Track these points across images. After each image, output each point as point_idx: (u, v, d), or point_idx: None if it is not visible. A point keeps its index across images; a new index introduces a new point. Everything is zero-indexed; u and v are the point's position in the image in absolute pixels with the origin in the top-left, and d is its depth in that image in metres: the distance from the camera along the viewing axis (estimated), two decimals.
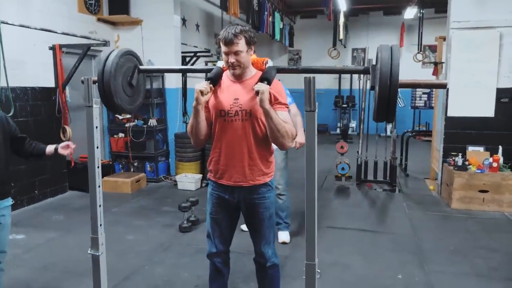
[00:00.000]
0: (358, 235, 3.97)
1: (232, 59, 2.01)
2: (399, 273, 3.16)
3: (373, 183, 5.89)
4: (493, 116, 5.03)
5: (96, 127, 1.81)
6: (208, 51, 7.66)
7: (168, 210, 4.76)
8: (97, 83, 1.97)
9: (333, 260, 3.37)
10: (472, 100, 5.06)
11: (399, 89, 1.69)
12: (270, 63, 2.16)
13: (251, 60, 2.18)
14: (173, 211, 4.63)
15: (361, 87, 6.03)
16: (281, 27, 9.96)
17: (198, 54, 7.31)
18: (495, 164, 4.68)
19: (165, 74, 6.16)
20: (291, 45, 11.72)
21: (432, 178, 6.20)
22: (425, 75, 11.01)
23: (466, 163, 4.86)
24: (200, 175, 5.78)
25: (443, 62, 5.89)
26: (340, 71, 2.42)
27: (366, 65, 6.22)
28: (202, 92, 2.00)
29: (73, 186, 5.47)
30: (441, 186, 5.32)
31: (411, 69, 10.58)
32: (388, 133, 7.36)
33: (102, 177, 5.43)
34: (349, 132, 10.93)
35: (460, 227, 4.19)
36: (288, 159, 3.83)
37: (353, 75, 11.55)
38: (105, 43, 4.97)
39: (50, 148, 2.47)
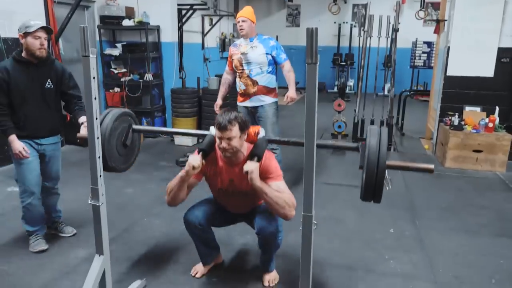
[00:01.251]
0: (352, 191, 4.05)
1: (224, 144, 2.07)
2: (391, 227, 3.26)
3: None
4: (492, 76, 5.00)
5: (94, 78, 1.78)
6: (205, 3, 7.43)
7: (165, 165, 4.80)
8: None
9: (327, 215, 3.46)
10: (473, 59, 5.01)
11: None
12: (261, 134, 2.19)
13: (247, 132, 2.20)
14: (170, 166, 4.68)
15: (361, 45, 5.92)
16: None
17: (194, 7, 7.09)
18: (490, 125, 4.70)
19: (160, 27, 5.99)
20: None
21: (427, 137, 6.25)
22: (426, 33, 10.77)
23: (462, 123, 4.88)
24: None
25: (446, 20, 5.76)
26: (332, 147, 2.50)
27: (366, 21, 6.08)
28: (194, 167, 2.05)
29: (69, 140, 5.45)
30: (436, 146, 5.38)
31: (412, 26, 10.38)
32: (386, 93, 7.33)
33: None
34: (347, 90, 10.86)
35: (453, 186, 4.28)
36: (279, 112, 3.87)
37: (353, 32, 11.33)
38: None
39: (81, 119, 2.72)
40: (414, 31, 10.46)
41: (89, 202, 1.95)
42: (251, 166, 2.00)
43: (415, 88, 11.09)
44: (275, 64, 3.82)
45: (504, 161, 4.69)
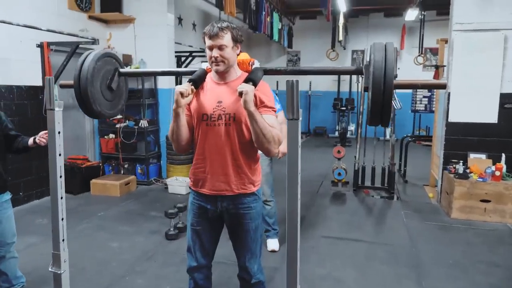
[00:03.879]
0: (353, 246, 3.79)
1: (215, 53, 1.86)
2: None
3: (371, 190, 5.70)
4: (496, 122, 4.84)
5: (59, 133, 1.63)
6: (203, 50, 7.47)
7: (156, 215, 4.57)
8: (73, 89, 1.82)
9: (325, 274, 3.19)
10: (474, 105, 4.88)
11: (398, 91, 1.56)
12: (257, 64, 2.03)
13: (237, 61, 2.02)
14: (161, 217, 4.44)
15: (359, 90, 5.85)
16: (280, 27, 9.78)
17: (193, 54, 7.15)
18: (497, 173, 4.49)
19: None
20: (290, 46, 11.55)
21: (431, 185, 6.01)
22: (426, 77, 10.81)
23: (467, 171, 4.68)
24: None
25: (445, 66, 5.71)
26: (331, 72, 2.27)
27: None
28: (182, 94, 1.83)
29: (26, 151, 5.28)
30: (440, 194, 5.14)
31: (411, 72, 10.41)
32: (387, 137, 7.19)
33: (91, 179, 5.32)
34: (348, 135, 10.75)
35: (460, 239, 4.01)
36: (273, 163, 3.66)
37: (352, 77, 11.39)
38: (94, 41, 4.80)
39: (30, 141, 2.51)
40: (413, 76, 10.46)
41: (50, 269, 1.74)
42: (246, 87, 1.76)
43: (418, 132, 10.97)
44: None
45: None
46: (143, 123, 5.70)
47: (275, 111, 1.98)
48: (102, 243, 3.76)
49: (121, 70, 2.06)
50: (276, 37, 9.31)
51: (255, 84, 1.83)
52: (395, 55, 1.55)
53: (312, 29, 11.99)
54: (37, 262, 3.24)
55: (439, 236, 4.09)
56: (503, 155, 4.67)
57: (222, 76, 1.96)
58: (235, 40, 1.90)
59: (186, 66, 7.14)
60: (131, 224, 4.27)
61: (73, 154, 5.57)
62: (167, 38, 5.93)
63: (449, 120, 4.99)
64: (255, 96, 1.84)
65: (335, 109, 11.50)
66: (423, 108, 11.39)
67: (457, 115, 4.95)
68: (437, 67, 5.93)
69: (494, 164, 4.63)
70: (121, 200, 5.14)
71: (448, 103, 4.96)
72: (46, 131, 2.31)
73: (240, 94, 1.76)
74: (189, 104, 1.97)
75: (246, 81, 1.83)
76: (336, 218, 4.61)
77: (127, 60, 5.78)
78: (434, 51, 10.90)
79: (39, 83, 4.95)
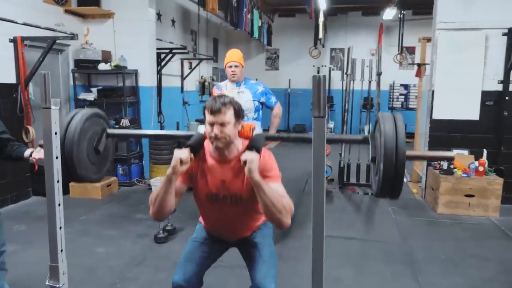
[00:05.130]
0: (346, 244, 3.77)
1: (216, 130, 1.76)
2: (394, 287, 2.96)
3: (356, 187, 5.73)
4: (477, 119, 4.95)
5: (56, 133, 1.50)
6: (185, 47, 7.32)
7: (142, 217, 4.41)
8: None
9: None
10: (457, 102, 4.96)
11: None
12: (258, 130, 1.95)
13: None
14: (148, 219, 4.28)
15: (344, 88, 5.86)
16: (260, 25, 9.71)
17: (173, 50, 6.97)
18: (481, 168, 4.58)
19: (138, 71, 5.79)
20: (269, 43, 11.49)
21: (414, 181, 6.09)
22: (403, 75, 11.03)
23: (451, 166, 4.75)
24: None
25: (426, 64, 5.79)
26: (337, 141, 2.29)
27: (346, 67, 6.05)
28: (181, 161, 1.72)
29: (37, 191, 5.04)
30: (425, 190, 5.21)
31: (389, 70, 10.55)
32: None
33: (70, 181, 5.09)
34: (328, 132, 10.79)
35: (448, 234, 4.06)
36: None
37: (332, 75, 11.46)
38: (73, 36, 4.57)
39: (27, 153, 2.23)
40: (390, 74, 10.62)
41: (47, 283, 1.60)
42: (250, 155, 1.68)
43: None
44: (261, 110, 3.62)
45: (497, 206, 4.53)
46: (124, 122, 5.50)
47: (280, 179, 1.91)
48: (87, 249, 3.58)
49: (109, 131, 1.94)
50: (256, 34, 9.23)
51: (258, 151, 1.76)
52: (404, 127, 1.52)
53: (291, 27, 11.97)
54: (19, 272, 3.04)
55: (428, 231, 4.14)
56: (485, 151, 4.77)
57: (222, 152, 1.88)
58: (238, 116, 1.82)
59: (166, 64, 6.96)
60: (116, 228, 4.10)
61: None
62: (149, 34, 5.75)
63: (433, 117, 5.06)
64: (259, 165, 1.75)
65: None
66: (400, 106, 11.62)
67: (441, 112, 5.03)
68: (419, 65, 6.00)
69: (476, 159, 4.73)
70: (103, 202, 4.94)
71: (432, 100, 5.02)
72: (41, 152, 2.11)
73: (245, 163, 1.69)
74: (185, 172, 1.87)
75: (249, 148, 1.75)
76: (325, 216, 4.57)
77: (107, 57, 5.57)
78: (411, 50, 11.12)
79: (13, 80, 4.69)
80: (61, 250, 1.58)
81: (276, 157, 1.98)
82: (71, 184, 5.09)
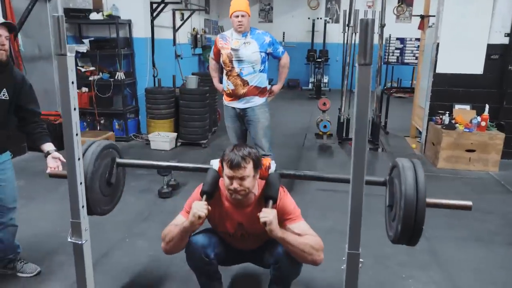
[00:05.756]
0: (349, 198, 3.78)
1: (236, 185, 1.75)
2: None
3: None
4: (481, 73, 4.88)
5: (73, 83, 1.38)
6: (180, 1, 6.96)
7: (143, 173, 4.35)
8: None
9: (329, 227, 3.17)
10: (462, 56, 4.86)
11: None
12: (273, 167, 1.85)
13: None
14: (149, 174, 4.24)
15: (345, 41, 5.69)
16: None
17: (166, 0, 6.62)
18: (483, 123, 4.57)
19: (132, 21, 5.50)
20: None
21: (412, 136, 6.11)
22: (400, 29, 10.77)
23: (453, 121, 4.74)
24: (175, 134, 5.36)
25: (432, 16, 5.61)
26: (330, 179, 2.21)
27: (348, 18, 5.83)
28: (200, 217, 1.70)
29: (33, 147, 4.92)
30: (425, 145, 5.22)
31: (386, 22, 10.29)
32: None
33: None
34: (322, 87, 10.67)
35: (450, 188, 4.11)
36: (270, 115, 3.54)
37: (327, 28, 11.15)
38: None
39: (45, 148, 2.24)
40: (387, 27, 10.35)
41: (69, 239, 1.55)
42: (269, 216, 1.68)
43: (390, 84, 11.07)
44: (267, 61, 3.47)
45: (497, 161, 4.57)
46: (120, 75, 5.29)
47: (300, 216, 1.91)
48: None
49: (119, 161, 1.92)
50: None
51: (275, 201, 1.76)
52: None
53: None
54: (23, 230, 2.97)
55: (430, 186, 4.08)
56: (487, 106, 4.74)
57: (239, 202, 1.87)
58: (256, 168, 1.79)
59: (158, 15, 6.63)
60: None
61: (43, 110, 5.13)
62: None
63: (436, 71, 4.97)
64: (278, 211, 1.76)
65: (309, 61, 11.31)
66: (395, 60, 11.46)
67: (445, 67, 4.94)
68: (422, 17, 5.82)
69: (478, 114, 4.71)
70: None
71: (437, 54, 4.92)
72: (59, 155, 2.17)
73: (264, 223, 1.68)
74: None
75: (265, 199, 1.77)
76: (327, 171, 4.55)
77: (98, 6, 5.26)
78: (408, 2, 10.81)
79: None
80: (83, 206, 1.51)
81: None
82: None
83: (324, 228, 3.13)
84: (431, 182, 4.23)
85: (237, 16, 3.27)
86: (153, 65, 6.26)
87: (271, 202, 1.74)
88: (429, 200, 1.50)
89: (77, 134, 1.43)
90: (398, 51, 11.47)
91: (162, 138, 5.18)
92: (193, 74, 6.12)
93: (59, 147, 5.22)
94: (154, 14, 6.49)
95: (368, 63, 1.15)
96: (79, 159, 1.46)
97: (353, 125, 1.25)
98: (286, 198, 1.89)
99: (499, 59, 4.81)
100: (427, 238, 3.03)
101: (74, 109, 1.40)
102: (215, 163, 1.84)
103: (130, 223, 3.20)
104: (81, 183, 1.48)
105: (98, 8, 5.23)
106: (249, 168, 1.73)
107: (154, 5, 6.50)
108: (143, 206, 3.53)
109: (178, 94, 5.47)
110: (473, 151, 4.60)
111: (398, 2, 8.68)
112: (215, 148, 5.05)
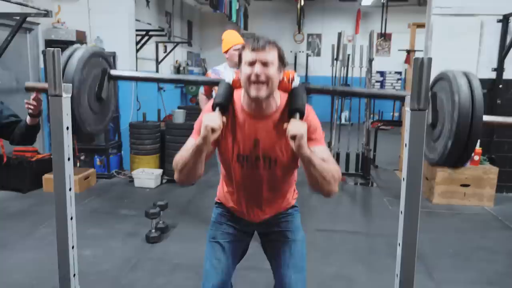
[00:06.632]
0: (350, 239, 3.60)
1: (259, 69, 1.43)
2: None
3: (346, 176, 5.59)
4: None
5: (67, 128, 1.17)
6: (162, 30, 6.88)
7: (128, 214, 4.06)
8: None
9: (334, 273, 2.97)
10: None
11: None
12: (297, 80, 1.56)
13: None
14: (135, 215, 3.96)
15: (333, 75, 5.67)
16: (237, 8, 9.33)
17: (150, 32, 6.52)
18: (476, 157, 4.53)
19: (116, 54, 5.32)
20: (245, 27, 11.09)
21: (401, 169, 6.02)
22: (379, 62, 10.94)
23: None
24: (160, 170, 5.09)
25: (417, 50, 5.69)
26: (378, 96, 2.02)
27: (336, 53, 5.84)
28: (214, 130, 1.40)
29: (6, 186, 4.57)
30: None
31: (365, 57, 10.50)
32: (343, 121, 7.19)
33: (43, 174, 4.63)
34: None
35: (449, 226, 3.99)
36: None
37: (309, 60, 11.27)
38: (46, 13, 4.05)
39: (28, 118, 2.02)
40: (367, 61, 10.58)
41: None
42: (300, 128, 1.38)
43: (372, 116, 11.14)
44: None
45: (492, 195, 4.51)
46: None
47: (323, 138, 1.61)
48: None
49: (112, 72, 1.60)
50: (234, 17, 8.83)
51: (302, 115, 1.47)
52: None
53: (268, 11, 11.63)
54: None
55: (428, 223, 4.04)
56: (478, 140, 4.72)
57: (260, 106, 1.54)
58: (282, 61, 1.50)
59: (141, 47, 6.51)
60: (100, 226, 3.73)
61: (19, 146, 4.82)
62: (127, 13, 5.29)
63: None
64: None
65: None
66: None
67: None
68: (408, 51, 5.89)
69: None
70: (81, 197, 4.51)
71: None
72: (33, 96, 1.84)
73: (293, 137, 1.38)
74: None
75: (293, 112, 1.47)
76: (322, 209, 4.40)
77: (81, 37, 5.07)
78: (387, 37, 11.09)
79: None
80: (74, 275, 1.27)
81: None
82: (45, 177, 4.63)
83: (328, 274, 2.94)
84: (429, 219, 4.14)
85: (238, 49, 3.13)
86: (137, 99, 6.07)
87: (298, 114, 1.45)
88: (486, 117, 1.26)
89: (70, 189, 1.21)
90: (378, 83, 11.67)
91: (147, 175, 4.91)
92: (179, 108, 5.95)
93: (34, 186, 4.85)
94: (138, 46, 6.37)
95: (423, 108, 1.00)
96: (71, 218, 1.23)
97: (404, 184, 1.08)
98: (312, 114, 1.59)
99: (487, 93, 4.84)
100: (437, 283, 2.86)
101: (68, 159, 1.18)
102: (228, 75, 1.57)
103: (116, 272, 2.90)
104: (72, 248, 1.24)
105: (81, 40, 5.04)
106: (273, 54, 1.45)
107: (138, 38, 6.39)
108: (130, 252, 3.23)
109: (163, 128, 5.26)
110: (467, 185, 4.53)
111: (380, 37, 8.86)
112: (203, 184, 4.81)
